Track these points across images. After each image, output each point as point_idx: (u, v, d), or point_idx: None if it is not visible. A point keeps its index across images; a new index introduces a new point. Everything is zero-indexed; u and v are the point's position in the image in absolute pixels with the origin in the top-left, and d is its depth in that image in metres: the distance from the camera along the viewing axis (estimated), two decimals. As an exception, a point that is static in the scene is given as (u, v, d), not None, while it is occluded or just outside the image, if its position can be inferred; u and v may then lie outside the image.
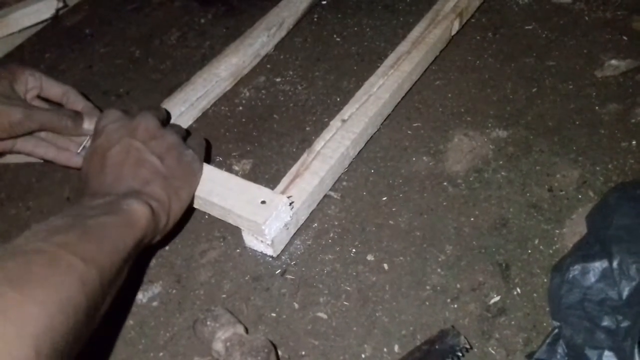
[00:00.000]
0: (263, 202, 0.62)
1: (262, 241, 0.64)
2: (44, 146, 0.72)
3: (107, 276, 0.47)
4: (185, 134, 0.67)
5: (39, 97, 0.72)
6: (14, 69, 0.70)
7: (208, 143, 0.77)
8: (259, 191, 0.63)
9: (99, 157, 0.59)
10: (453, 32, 0.88)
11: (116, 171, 0.58)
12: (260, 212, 0.61)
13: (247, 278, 0.65)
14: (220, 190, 0.64)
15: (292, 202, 0.63)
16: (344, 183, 0.73)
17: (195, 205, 0.67)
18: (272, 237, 0.62)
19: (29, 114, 0.66)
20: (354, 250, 0.65)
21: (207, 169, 0.66)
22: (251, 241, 0.65)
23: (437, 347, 0.53)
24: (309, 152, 0.70)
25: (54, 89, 0.72)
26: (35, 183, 0.80)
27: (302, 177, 0.67)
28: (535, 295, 0.59)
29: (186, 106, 0.81)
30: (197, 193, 0.64)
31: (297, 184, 0.66)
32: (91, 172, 0.59)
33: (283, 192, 0.64)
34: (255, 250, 0.67)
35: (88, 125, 0.70)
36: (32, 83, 0.71)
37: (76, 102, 0.72)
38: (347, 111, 0.74)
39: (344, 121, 0.73)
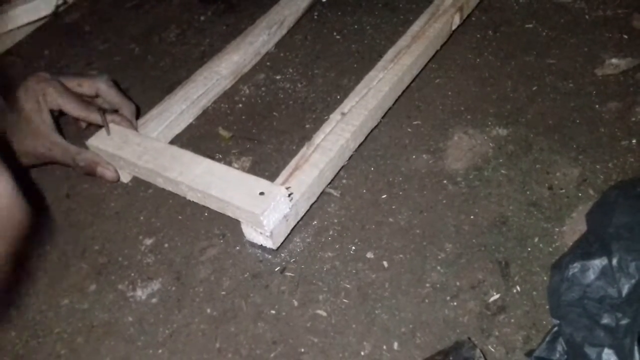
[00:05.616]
0: (261, 193, 0.62)
1: (261, 233, 0.63)
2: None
3: None
4: None
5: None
6: (41, 84, 0.67)
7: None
8: (257, 183, 0.63)
9: None
10: (454, 27, 0.88)
11: None
12: (258, 203, 0.61)
13: (246, 275, 0.64)
14: (219, 183, 0.64)
15: (291, 194, 0.63)
16: (344, 181, 0.73)
17: (194, 199, 0.67)
18: (270, 228, 0.62)
19: (49, 148, 0.69)
20: (353, 247, 0.65)
21: (206, 163, 0.66)
22: (250, 234, 0.65)
23: (451, 358, 0.52)
24: (308, 145, 0.70)
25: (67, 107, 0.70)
26: (34, 180, 0.79)
27: (302, 169, 0.67)
28: (534, 293, 0.59)
29: (187, 104, 0.81)
30: (195, 186, 0.64)
31: (297, 176, 0.66)
32: None
33: (282, 185, 0.64)
34: (255, 248, 0.67)
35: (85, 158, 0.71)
36: (54, 100, 0.68)
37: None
38: (347, 104, 0.74)
39: (343, 114, 0.72)
